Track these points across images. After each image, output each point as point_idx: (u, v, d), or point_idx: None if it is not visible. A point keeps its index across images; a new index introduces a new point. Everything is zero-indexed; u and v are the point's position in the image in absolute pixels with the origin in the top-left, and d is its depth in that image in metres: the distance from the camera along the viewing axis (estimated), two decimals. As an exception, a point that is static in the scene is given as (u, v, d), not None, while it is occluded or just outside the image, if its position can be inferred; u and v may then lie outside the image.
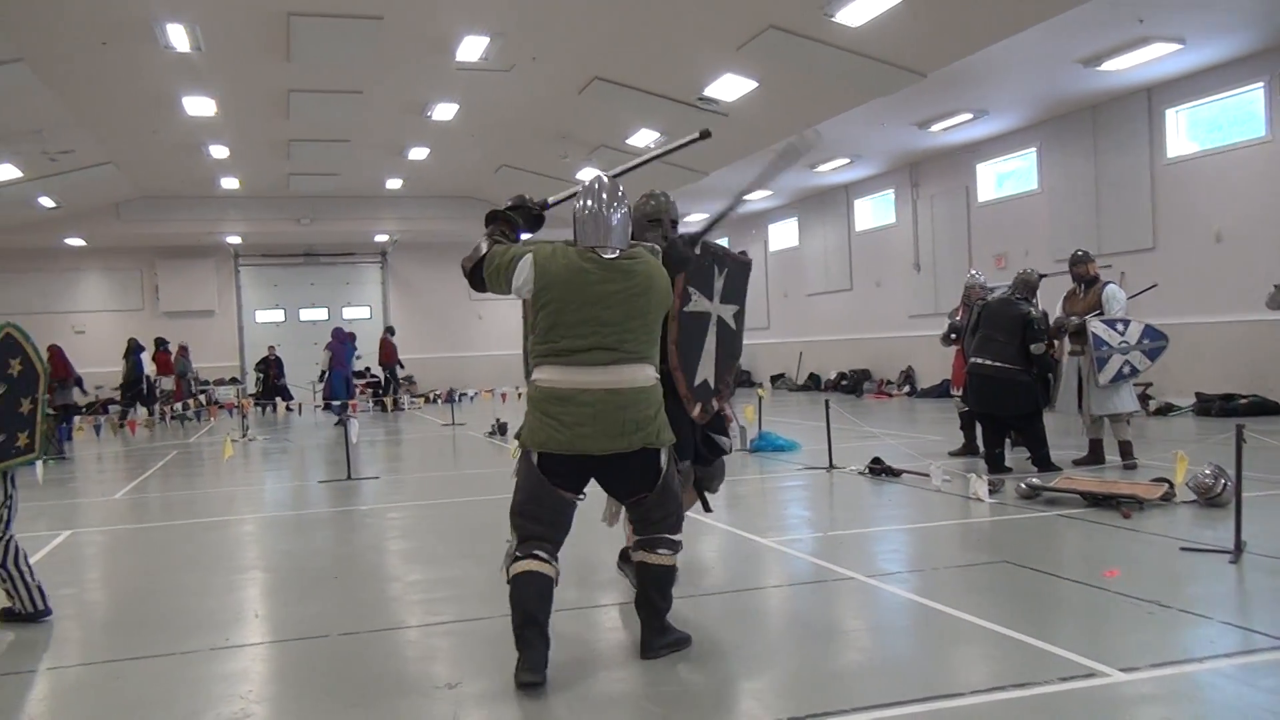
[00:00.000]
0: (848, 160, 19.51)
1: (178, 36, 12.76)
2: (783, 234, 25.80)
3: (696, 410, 4.74)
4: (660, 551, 4.08)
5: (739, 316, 5.12)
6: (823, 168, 20.02)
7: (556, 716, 3.54)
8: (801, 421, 14.61)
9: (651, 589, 4.09)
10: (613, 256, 3.98)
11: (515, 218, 4.39)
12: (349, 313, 29.27)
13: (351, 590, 5.60)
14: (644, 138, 17.89)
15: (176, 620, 5.04)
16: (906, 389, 20.25)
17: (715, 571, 5.79)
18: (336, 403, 18.31)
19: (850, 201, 22.55)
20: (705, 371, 4.83)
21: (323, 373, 20.21)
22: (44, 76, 13.98)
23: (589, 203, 4.07)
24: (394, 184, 23.78)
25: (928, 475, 8.24)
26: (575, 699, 3.66)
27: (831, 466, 9.45)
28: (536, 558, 3.84)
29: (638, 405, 3.91)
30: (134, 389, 20.67)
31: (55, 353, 17.26)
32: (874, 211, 22.13)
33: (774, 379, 25.19)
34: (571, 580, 4.71)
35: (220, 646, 4.55)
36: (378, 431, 17.19)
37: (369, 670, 4.14)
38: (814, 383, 23.70)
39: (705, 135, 4.79)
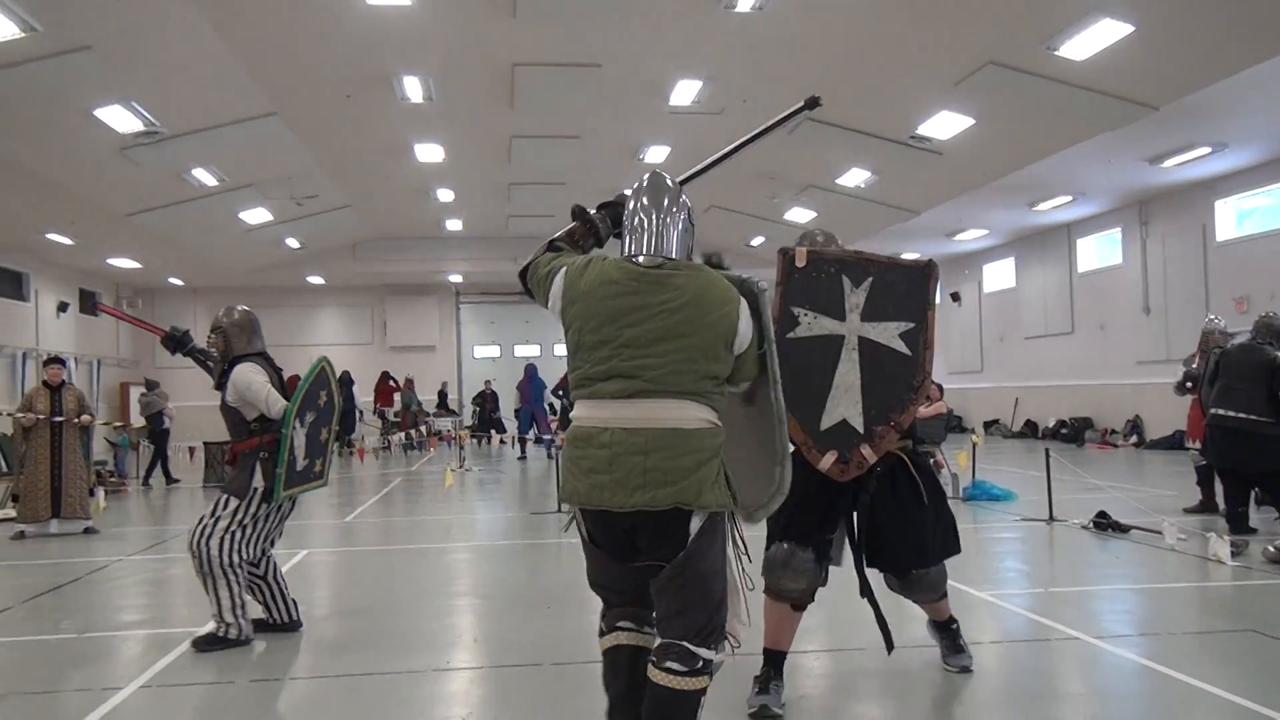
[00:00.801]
0: (1069, 198, 18.66)
1: (413, 88, 13.64)
2: (998, 274, 24.87)
3: (828, 461, 3.87)
4: (669, 667, 2.98)
5: (915, 336, 3.97)
6: (1042, 206, 19.21)
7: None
8: (1018, 470, 13.98)
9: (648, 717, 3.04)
10: (650, 265, 3.19)
11: (597, 220, 3.59)
12: (560, 349, 30.18)
13: (563, 620, 5.74)
14: (854, 177, 17.71)
15: (401, 640, 5.32)
16: (1133, 439, 19.05)
17: (922, 623, 5.59)
18: (533, 436, 19.17)
19: (1072, 241, 21.53)
20: (843, 410, 3.92)
21: (517, 410, 21.04)
22: (294, 128, 15.22)
23: (638, 203, 3.35)
24: (606, 225, 24.40)
25: (1160, 533, 7.72)
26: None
27: (1052, 519, 8.99)
28: (621, 629, 3.26)
29: (665, 451, 3.01)
30: (346, 420, 22.00)
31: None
32: (1098, 251, 21.03)
33: (987, 425, 24.22)
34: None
35: (442, 668, 4.78)
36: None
37: (580, 700, 4.24)
38: (1030, 430, 22.65)
39: (813, 104, 3.76)
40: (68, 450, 9.88)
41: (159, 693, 4.50)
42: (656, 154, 17.40)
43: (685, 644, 2.98)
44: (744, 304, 3.18)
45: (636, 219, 3.31)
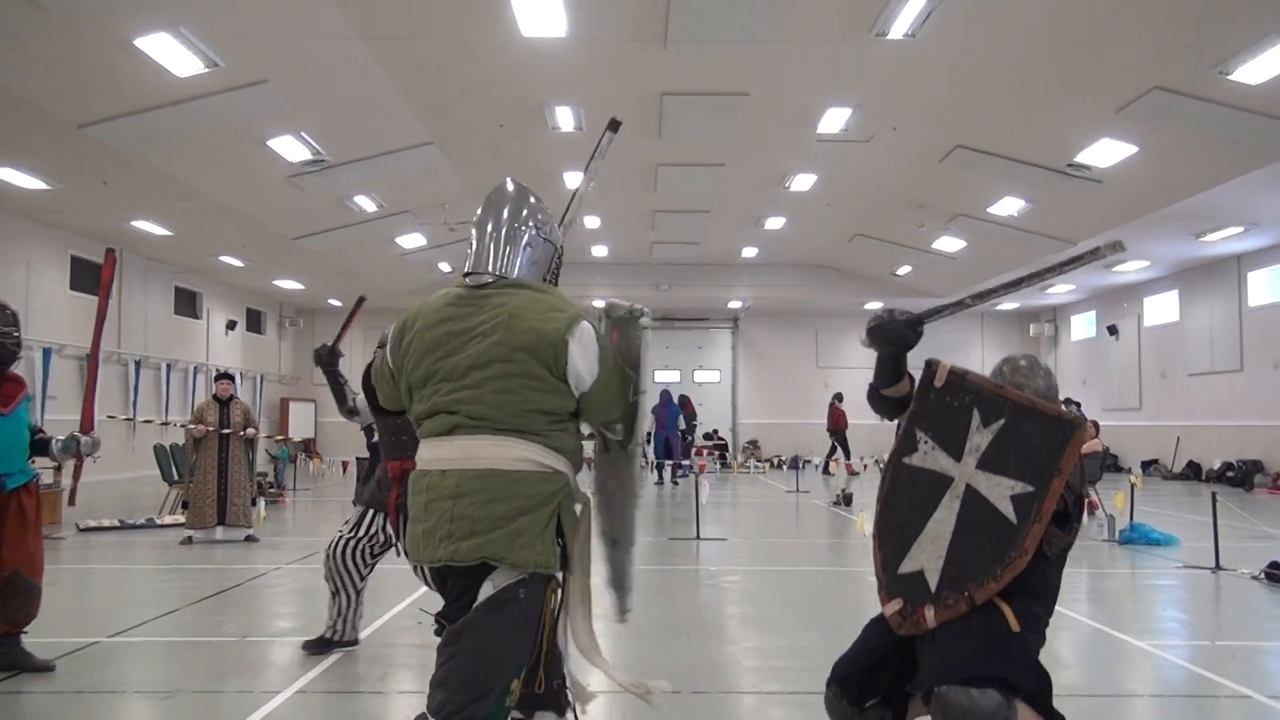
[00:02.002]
0: (1240, 229, 17.67)
1: (564, 118, 13.97)
2: (1161, 307, 23.75)
3: (891, 609, 3.34)
4: None
5: (1029, 503, 3.17)
6: (1210, 237, 18.26)
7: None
8: (1179, 514, 13.29)
9: None
10: (476, 285, 2.82)
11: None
12: (700, 376, 30.29)
13: (703, 648, 5.74)
14: (1007, 206, 17.22)
15: (541, 659, 5.40)
16: (1309, 485, 17.87)
17: (1073, 670, 5.38)
18: (668, 462, 19.38)
19: (1242, 274, 20.39)
20: (923, 558, 3.34)
21: (650, 434, 21.27)
22: (450, 156, 15.77)
23: (478, 215, 2.94)
24: (750, 252, 24.41)
25: (1340, 587, 7.22)
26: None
27: (1218, 567, 8.50)
28: None
29: (476, 496, 2.58)
30: None
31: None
32: (1271, 285, 19.86)
33: (1145, 465, 23.10)
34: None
35: (581, 689, 4.83)
36: (724, 494, 17.55)
37: (717, 730, 4.23)
38: (1193, 472, 21.48)
39: (614, 126, 3.62)
40: (233, 461, 10.41)
41: (314, 698, 4.69)
42: (802, 181, 17.33)
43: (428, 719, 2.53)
44: (584, 330, 2.71)
45: (473, 233, 2.89)
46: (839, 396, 23.50)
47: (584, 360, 2.68)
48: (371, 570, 5.60)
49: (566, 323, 2.67)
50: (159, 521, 11.83)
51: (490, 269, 2.81)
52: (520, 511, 2.58)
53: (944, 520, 3.32)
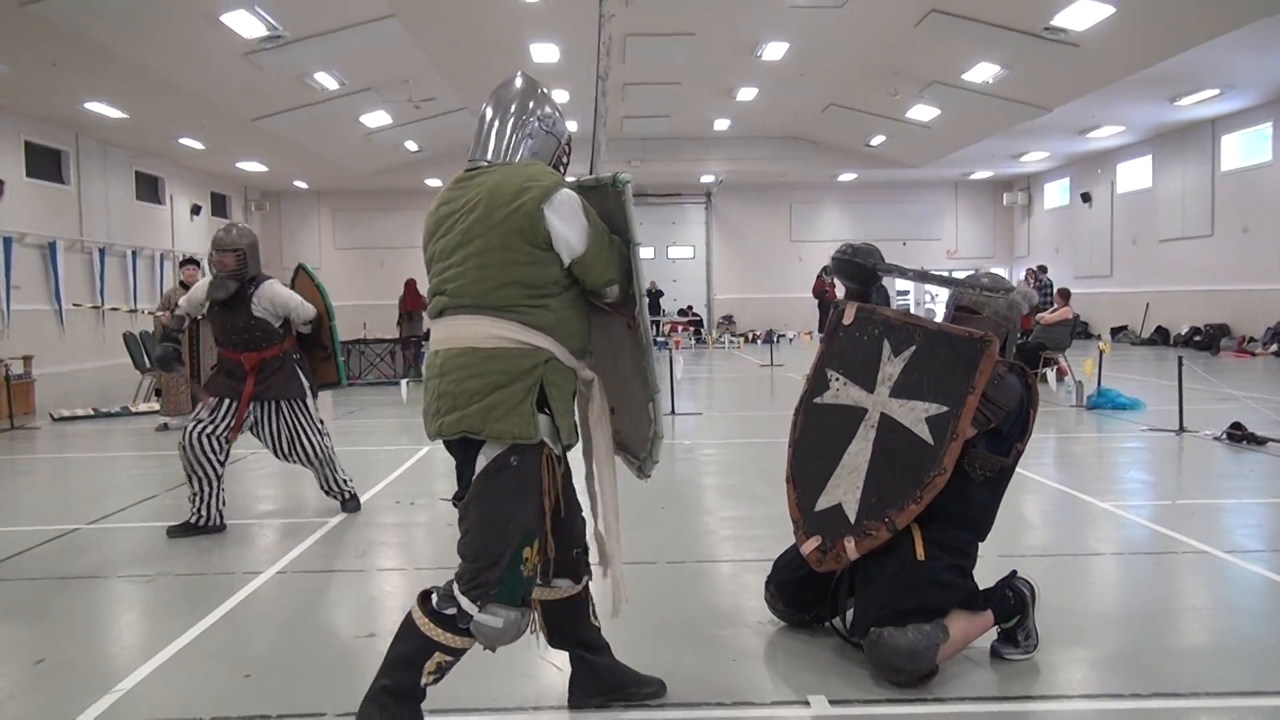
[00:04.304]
0: (1216, 91, 17.51)
1: (528, -13, 13.56)
2: (1134, 173, 23.68)
3: (809, 547, 3.46)
4: (428, 594, 2.80)
5: (944, 423, 3.27)
6: (1185, 100, 18.09)
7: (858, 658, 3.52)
8: (1146, 379, 13.51)
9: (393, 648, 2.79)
10: (470, 169, 2.90)
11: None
12: (674, 252, 30.18)
13: (677, 520, 5.84)
14: (982, 72, 16.95)
15: (519, 534, 5.48)
16: (1274, 348, 18.14)
17: (1040, 531, 5.53)
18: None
19: (1216, 138, 20.29)
20: (841, 492, 3.43)
21: None
22: (412, 30, 15.28)
23: (485, 104, 3.00)
24: (721, 125, 24.04)
25: (1299, 446, 7.39)
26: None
27: (1182, 429, 8.68)
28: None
29: (457, 373, 2.71)
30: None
31: (410, 286, 19.25)
32: (1245, 149, 19.80)
33: (1115, 331, 23.40)
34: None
35: (558, 562, 4.92)
36: (699, 369, 17.66)
37: (693, 599, 4.32)
38: (1161, 337, 21.79)
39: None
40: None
41: (294, 578, 4.76)
42: (775, 50, 16.98)
43: (454, 583, 2.73)
44: (562, 198, 2.75)
45: (478, 121, 2.96)
46: (827, 269, 23.23)
47: (567, 227, 2.74)
48: (227, 455, 5.69)
49: (542, 192, 2.71)
50: (134, 409, 11.80)
51: (488, 157, 2.87)
52: (495, 386, 2.69)
53: (860, 451, 3.42)
